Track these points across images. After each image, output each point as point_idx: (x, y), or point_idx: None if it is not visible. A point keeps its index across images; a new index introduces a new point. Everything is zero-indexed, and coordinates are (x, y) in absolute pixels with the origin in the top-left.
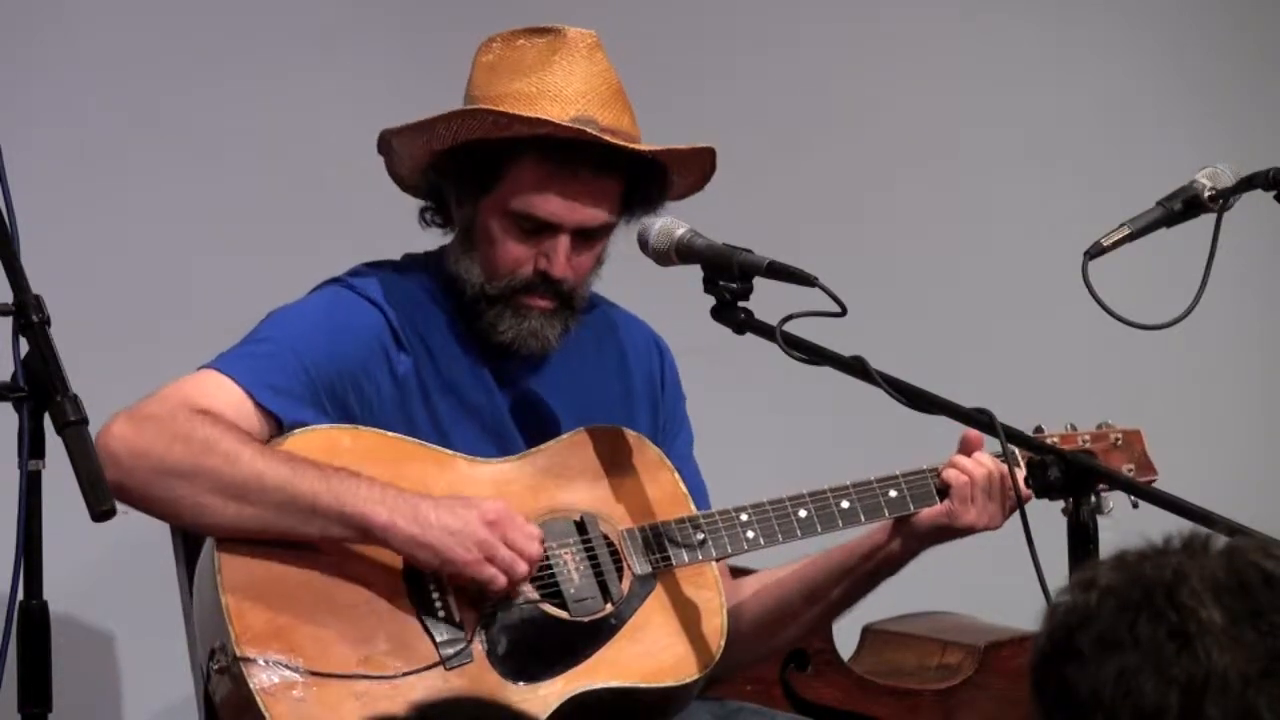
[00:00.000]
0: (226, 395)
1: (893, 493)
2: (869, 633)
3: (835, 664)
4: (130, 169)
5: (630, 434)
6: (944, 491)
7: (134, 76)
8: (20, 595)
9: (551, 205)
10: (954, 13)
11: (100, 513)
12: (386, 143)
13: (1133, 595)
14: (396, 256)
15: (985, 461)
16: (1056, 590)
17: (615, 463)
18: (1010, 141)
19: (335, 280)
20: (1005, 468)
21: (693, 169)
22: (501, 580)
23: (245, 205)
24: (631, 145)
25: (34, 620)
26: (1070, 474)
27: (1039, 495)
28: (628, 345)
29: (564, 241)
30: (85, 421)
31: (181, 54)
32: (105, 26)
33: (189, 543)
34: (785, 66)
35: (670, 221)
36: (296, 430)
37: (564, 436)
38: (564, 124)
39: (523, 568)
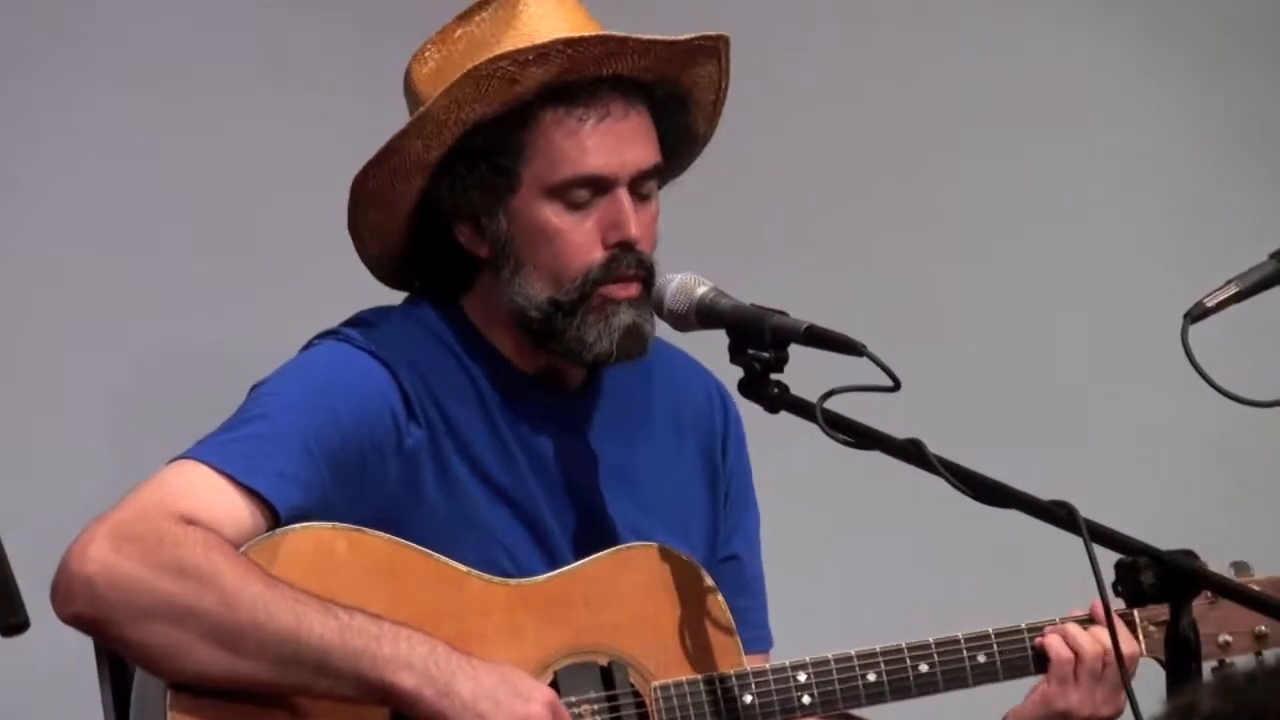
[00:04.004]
0: (217, 495)
1: (981, 657)
2: None
3: None
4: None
5: (684, 558)
6: (1042, 659)
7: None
8: None
9: (597, 155)
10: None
11: (10, 626)
12: (362, 193)
13: None
14: (372, 298)
15: (1103, 639)
16: (1151, 718)
17: (660, 593)
18: (1084, 187)
19: (332, 334)
20: (1128, 647)
21: (706, 84)
22: None
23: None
24: (662, 37)
25: None
26: (1167, 578)
27: (1130, 603)
28: (680, 391)
29: (624, 196)
30: None
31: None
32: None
33: (115, 664)
34: (834, 93)
35: (689, 278)
36: (285, 529)
37: (603, 554)
38: (585, 35)
39: None
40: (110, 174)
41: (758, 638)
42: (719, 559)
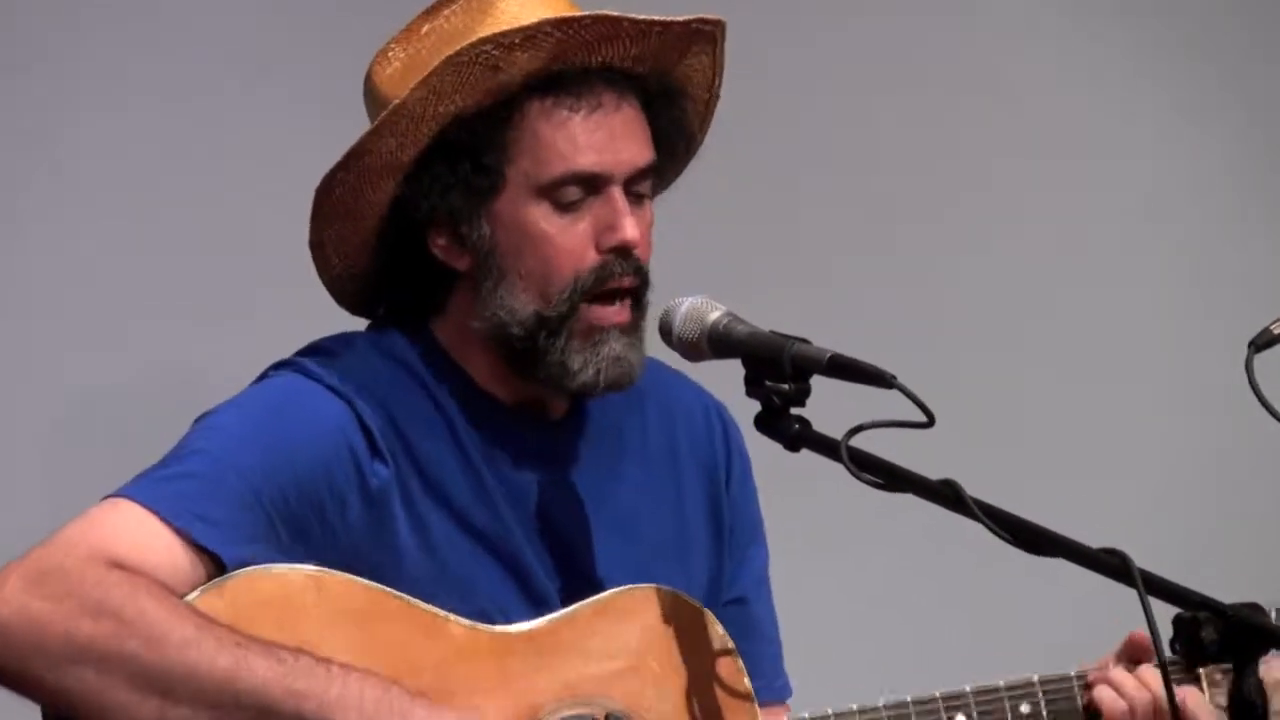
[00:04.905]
0: (149, 537)
1: (1025, 708)
2: None
3: None
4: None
5: (690, 603)
6: (1093, 711)
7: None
8: None
9: (589, 150)
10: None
11: None
12: (327, 204)
13: None
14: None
15: (1153, 684)
16: None
17: (664, 641)
18: (1123, 210)
19: (286, 364)
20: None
21: (700, 79)
22: None
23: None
24: (658, 18)
25: None
26: (1230, 635)
27: (1190, 662)
28: (677, 416)
29: (619, 196)
30: None
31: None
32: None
33: None
34: (856, 96)
35: (701, 302)
36: (241, 571)
37: (599, 598)
38: (575, 15)
39: None
40: (102, 178)
41: (773, 687)
42: (724, 602)
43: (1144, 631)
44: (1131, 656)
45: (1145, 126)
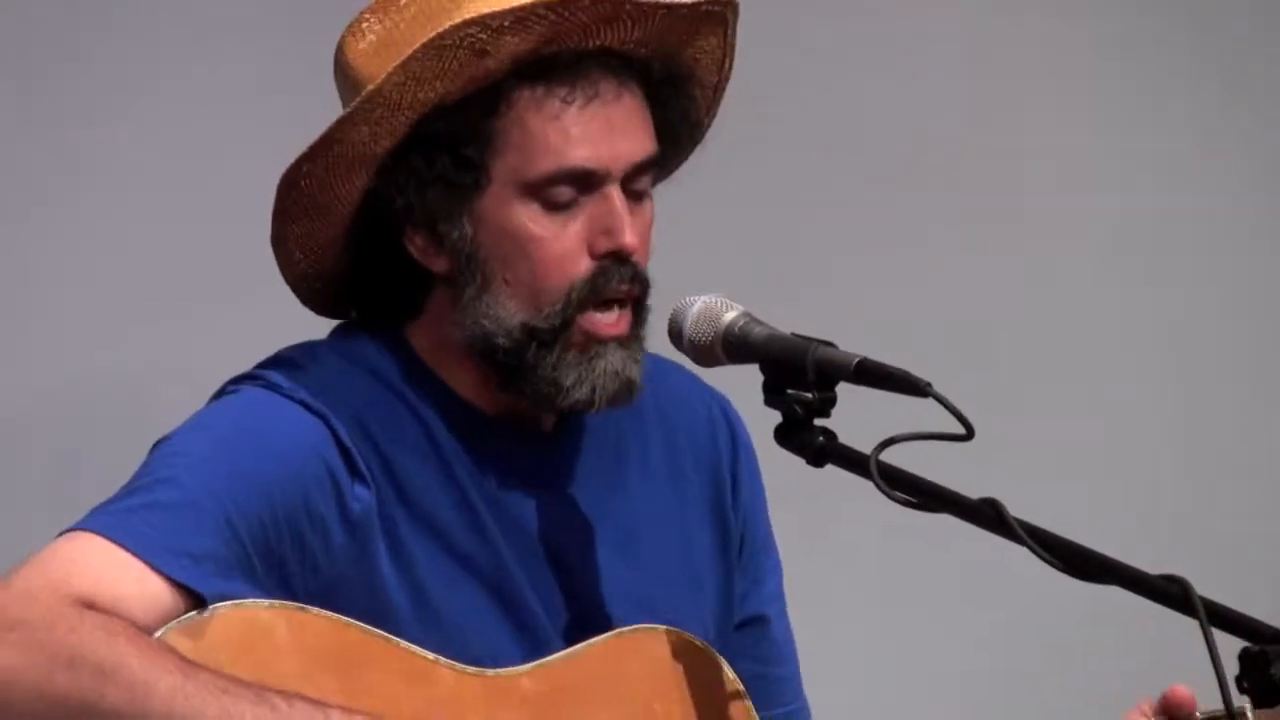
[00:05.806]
0: (119, 573)
1: None
2: None
3: None
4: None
5: (698, 645)
6: None
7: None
8: None
9: (584, 144)
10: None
11: None
12: (292, 196)
13: None
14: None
15: None
16: None
17: (670, 687)
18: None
19: (251, 378)
20: None
21: (709, 62)
22: None
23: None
24: (662, 0)
25: None
26: None
27: (1259, 701)
28: (676, 416)
29: (616, 196)
30: None
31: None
32: None
33: None
34: (882, 72)
35: (714, 302)
36: (215, 608)
37: (601, 639)
38: None
39: None
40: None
41: (796, 710)
42: (739, 621)
43: (1183, 689)
44: (1169, 714)
45: (1146, 126)
